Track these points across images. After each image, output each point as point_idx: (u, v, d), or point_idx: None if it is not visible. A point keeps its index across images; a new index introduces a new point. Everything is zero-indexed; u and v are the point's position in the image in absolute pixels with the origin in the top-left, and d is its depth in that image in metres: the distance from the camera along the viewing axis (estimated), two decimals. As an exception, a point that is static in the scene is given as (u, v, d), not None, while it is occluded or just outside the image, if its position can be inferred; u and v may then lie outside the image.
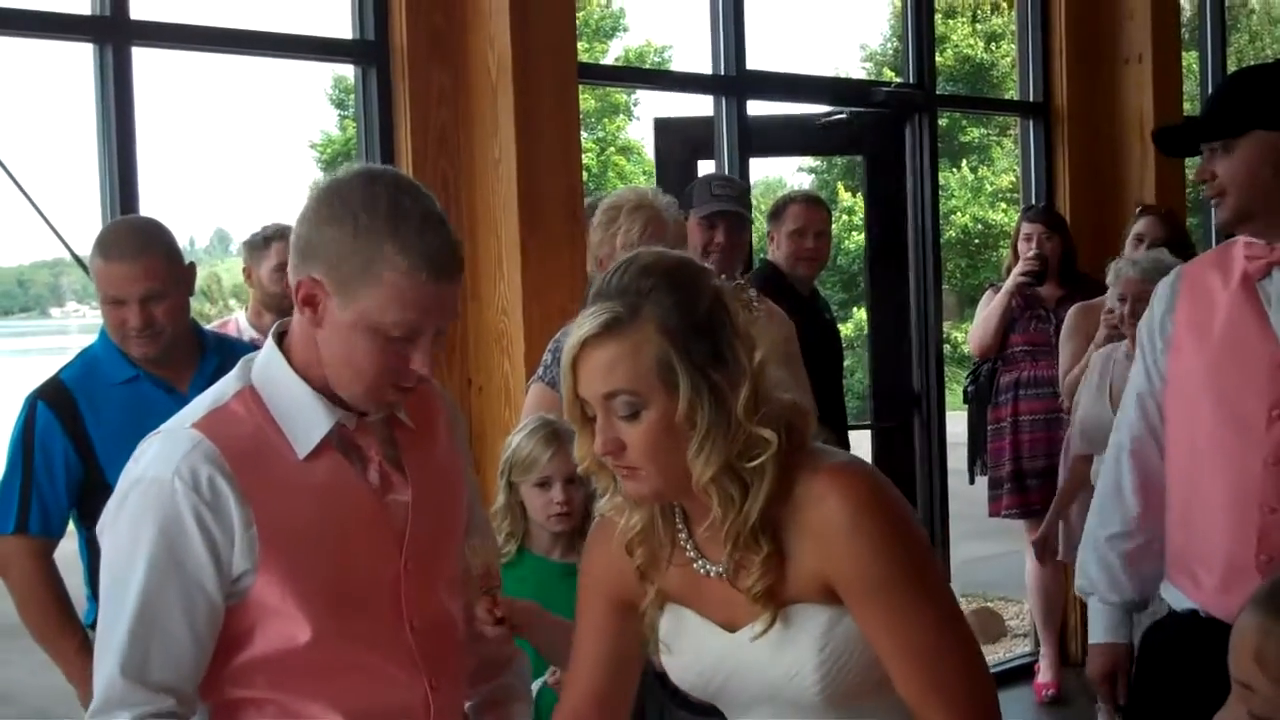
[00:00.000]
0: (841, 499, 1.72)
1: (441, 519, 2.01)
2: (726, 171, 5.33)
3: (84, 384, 3.11)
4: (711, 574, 1.81)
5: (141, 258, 2.98)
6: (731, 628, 1.81)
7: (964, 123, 23.09)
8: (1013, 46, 8.46)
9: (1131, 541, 2.76)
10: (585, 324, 1.74)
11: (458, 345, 4.27)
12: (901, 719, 1.80)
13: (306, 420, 1.86)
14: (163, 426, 1.87)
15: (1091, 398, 4.39)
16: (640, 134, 26.31)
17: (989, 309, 5.65)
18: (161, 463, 1.79)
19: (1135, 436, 2.75)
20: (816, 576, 1.74)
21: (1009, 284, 5.52)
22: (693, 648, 1.86)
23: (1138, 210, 5.51)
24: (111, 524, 1.83)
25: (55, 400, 3.08)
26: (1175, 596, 2.70)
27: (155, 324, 3.00)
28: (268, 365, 1.89)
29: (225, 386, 1.89)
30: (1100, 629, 2.82)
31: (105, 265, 3.00)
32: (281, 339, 1.92)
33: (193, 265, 3.18)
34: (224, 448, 1.79)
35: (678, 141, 5.69)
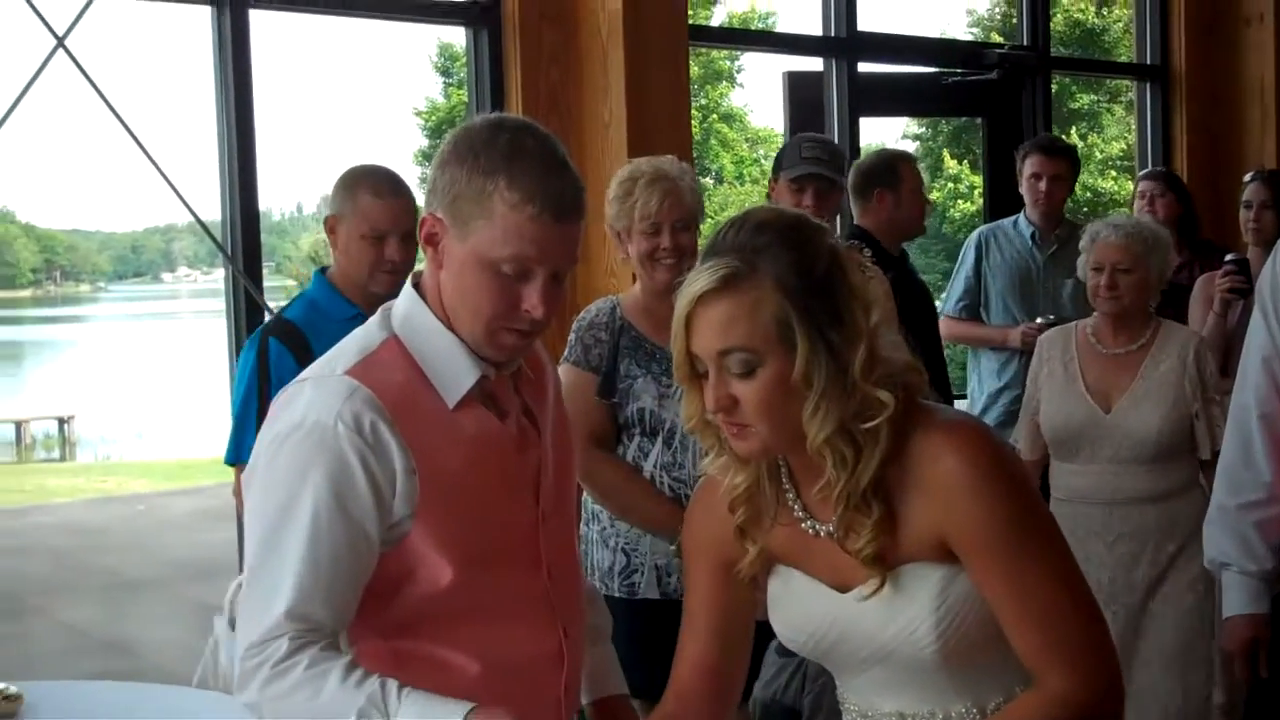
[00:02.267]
0: (959, 456, 1.70)
1: (564, 469, 2.03)
2: (836, 133, 5.28)
3: (310, 321, 3.20)
4: (820, 534, 1.80)
5: (402, 197, 3.15)
6: (842, 588, 1.80)
7: (1074, 89, 22.66)
8: (1126, 10, 8.27)
9: (1267, 509, 2.68)
10: (700, 279, 1.70)
11: (566, 309, 4.28)
12: (1014, 675, 1.79)
13: (454, 370, 1.86)
14: (308, 373, 1.88)
15: None
16: (743, 101, 26.22)
17: (1205, 335, 4.76)
18: (321, 408, 1.79)
19: (1263, 400, 2.68)
20: (932, 535, 1.73)
21: (1217, 304, 5.15)
22: (801, 608, 1.86)
23: (1247, 177, 5.32)
24: (266, 471, 1.82)
25: (286, 335, 3.18)
26: None
27: (408, 261, 3.13)
28: (410, 314, 1.90)
29: (369, 335, 1.90)
30: (1238, 600, 2.74)
31: (376, 201, 3.13)
32: (417, 289, 1.93)
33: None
34: (380, 394, 1.80)
35: (809, 96, 5.57)
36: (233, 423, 3.26)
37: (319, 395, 1.80)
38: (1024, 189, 5.09)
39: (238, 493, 3.19)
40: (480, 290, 1.82)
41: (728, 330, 1.69)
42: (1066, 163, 5.10)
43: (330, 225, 3.17)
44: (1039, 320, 4.76)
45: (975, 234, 5.22)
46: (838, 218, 4.46)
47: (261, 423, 3.10)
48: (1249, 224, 5.05)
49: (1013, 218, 5.18)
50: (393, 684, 1.70)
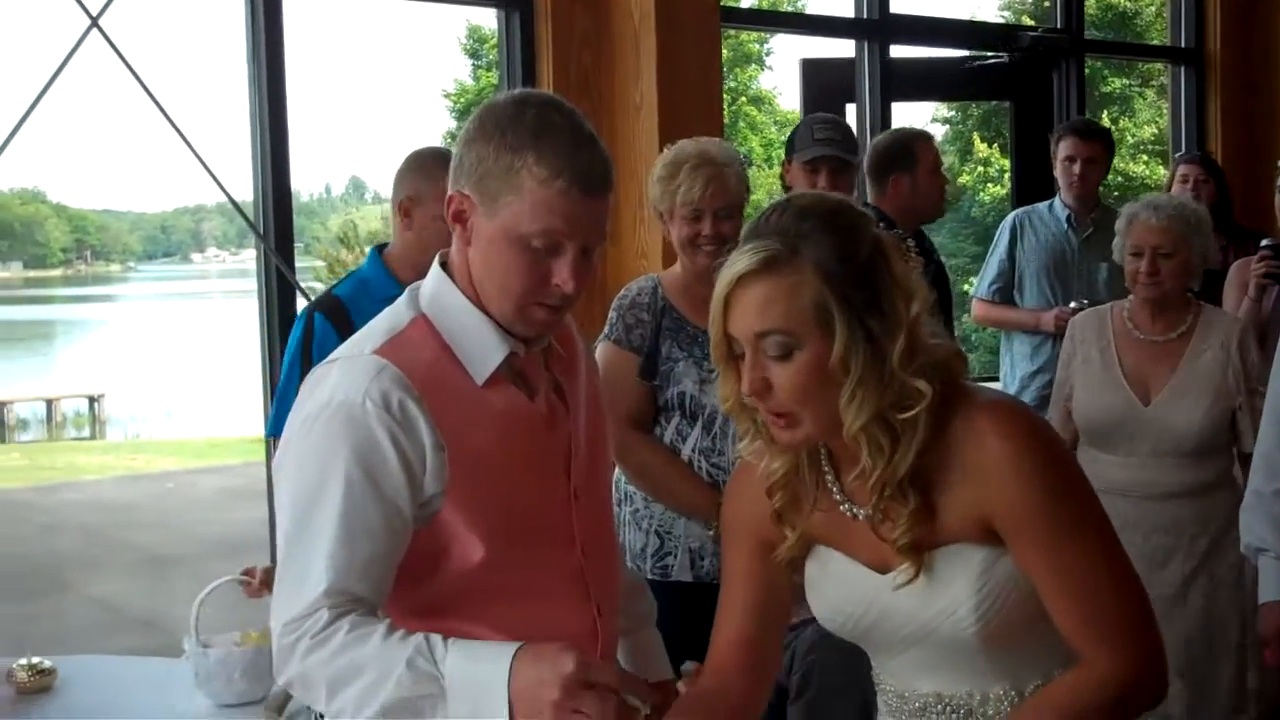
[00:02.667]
0: (1001, 437, 1.70)
1: (597, 446, 2.03)
2: (869, 117, 5.25)
3: (356, 299, 3.20)
4: (860, 517, 1.80)
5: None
6: (882, 569, 1.80)
7: (1105, 72, 22.51)
8: (1161, -8, 8.20)
9: None
10: (740, 260, 1.70)
11: (597, 291, 4.28)
12: (1053, 658, 1.79)
13: (482, 347, 1.86)
14: (337, 353, 1.88)
15: None
16: (772, 83, 26.13)
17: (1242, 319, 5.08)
18: (349, 387, 1.79)
19: None
20: (974, 516, 1.72)
21: (1252, 289, 5.09)
22: (840, 590, 1.85)
23: None
24: (296, 452, 1.82)
25: (331, 312, 3.19)
26: None
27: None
28: (438, 293, 1.90)
29: (397, 315, 1.90)
30: (1275, 586, 2.74)
31: (427, 182, 3.06)
32: (444, 268, 1.93)
33: None
34: (408, 372, 1.80)
35: (825, 83, 5.57)
36: (276, 396, 3.28)
37: (347, 374, 1.80)
38: (1058, 172, 5.05)
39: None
40: (510, 266, 1.82)
41: (765, 312, 1.69)
42: (1101, 146, 5.04)
43: (405, 208, 3.13)
44: (1072, 304, 4.70)
45: (1010, 217, 5.19)
46: (853, 196, 4.42)
47: None
48: None
49: (1048, 201, 5.13)
50: (436, 636, 1.70)
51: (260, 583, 2.97)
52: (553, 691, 1.62)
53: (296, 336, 3.21)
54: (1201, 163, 5.45)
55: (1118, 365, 3.64)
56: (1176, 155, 5.89)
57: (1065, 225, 5.04)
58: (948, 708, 1.84)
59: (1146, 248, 3.56)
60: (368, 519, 1.76)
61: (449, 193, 1.85)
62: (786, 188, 3.88)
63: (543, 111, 1.82)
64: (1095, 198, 5.09)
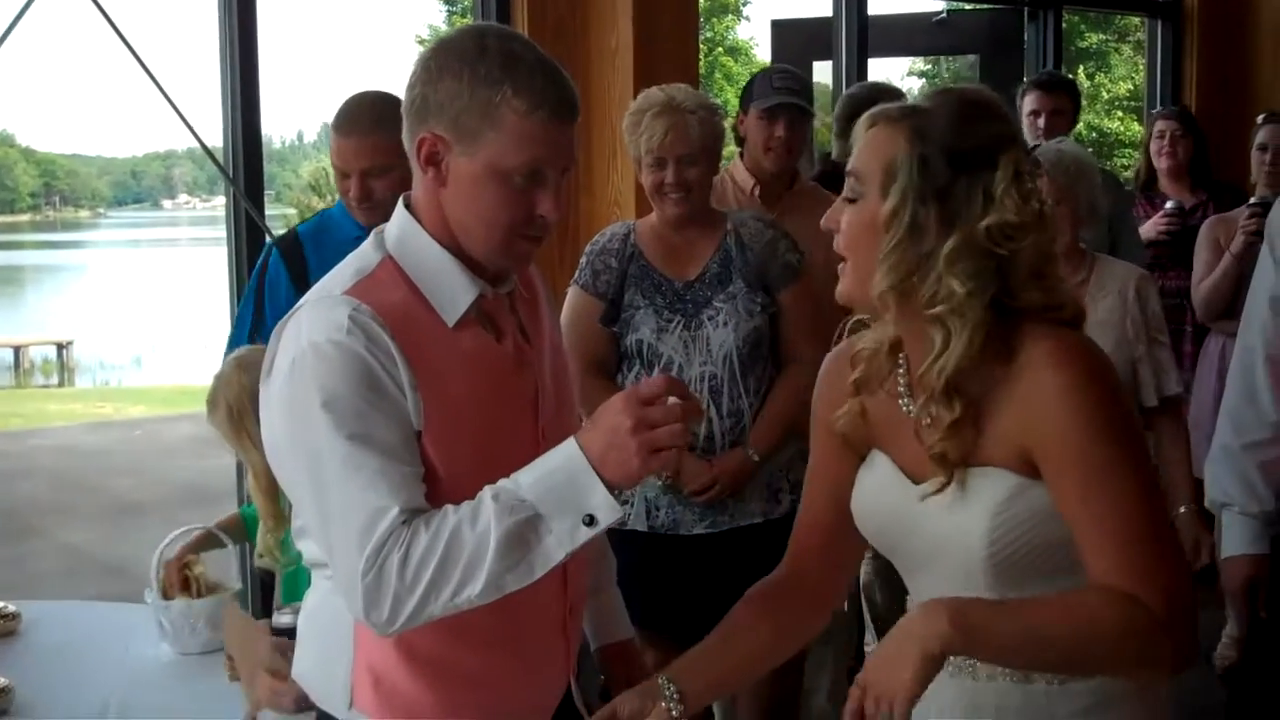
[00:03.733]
0: (1055, 367, 1.69)
1: (562, 390, 2.02)
2: (844, 73, 5.23)
3: (315, 237, 3.31)
4: (912, 414, 1.81)
5: (370, 135, 3.07)
6: (918, 478, 1.80)
7: (1082, 27, 22.49)
8: (1140, -54, 8.19)
9: (1271, 450, 2.68)
10: (883, 108, 1.78)
11: (569, 238, 4.26)
12: None
13: (451, 288, 1.85)
14: (306, 299, 1.85)
15: None
16: (749, 34, 26.02)
17: (1218, 275, 4.86)
18: (328, 326, 1.76)
19: (1270, 341, 2.67)
20: (1017, 443, 1.71)
21: (1238, 246, 5.06)
22: (877, 496, 1.87)
23: (1260, 119, 5.25)
24: (284, 392, 1.77)
25: (287, 249, 3.31)
26: None
27: (373, 196, 3.10)
28: (404, 235, 1.88)
29: (364, 257, 1.87)
30: (1237, 541, 2.74)
31: (334, 138, 3.14)
32: (408, 210, 1.90)
33: None
34: (381, 312, 1.77)
35: (795, 42, 5.59)
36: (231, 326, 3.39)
37: (319, 315, 1.78)
38: (1025, 127, 4.97)
39: None
40: (497, 202, 1.80)
41: (859, 155, 1.76)
42: (1066, 97, 4.97)
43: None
44: None
45: None
46: (812, 147, 4.41)
47: (255, 329, 3.24)
48: (1264, 167, 4.99)
49: (1057, 137, 5.08)
50: (501, 480, 1.70)
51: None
52: (624, 422, 1.65)
53: (255, 270, 3.33)
54: (1179, 118, 5.44)
55: None
56: (1153, 111, 5.87)
57: None
58: None
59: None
60: (385, 439, 1.73)
61: (418, 135, 1.82)
62: (740, 139, 3.86)
63: (504, 44, 1.81)
64: None
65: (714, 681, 1.87)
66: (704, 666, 1.85)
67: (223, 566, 3.11)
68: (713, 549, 3.22)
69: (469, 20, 4.36)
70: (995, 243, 1.69)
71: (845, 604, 2.03)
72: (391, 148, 3.10)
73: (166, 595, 2.92)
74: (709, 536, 3.24)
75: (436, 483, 1.78)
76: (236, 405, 2.79)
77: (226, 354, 3.30)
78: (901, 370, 1.84)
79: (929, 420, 1.76)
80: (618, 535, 3.17)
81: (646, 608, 3.29)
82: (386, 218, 3.08)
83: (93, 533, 9.03)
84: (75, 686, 2.72)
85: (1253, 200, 4.82)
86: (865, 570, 3.69)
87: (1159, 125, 5.40)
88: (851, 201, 1.75)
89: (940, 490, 1.74)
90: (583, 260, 3.32)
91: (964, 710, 1.81)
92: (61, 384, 22.86)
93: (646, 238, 3.31)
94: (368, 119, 3.09)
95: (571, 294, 3.31)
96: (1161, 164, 5.36)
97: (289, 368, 1.77)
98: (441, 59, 1.81)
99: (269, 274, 3.30)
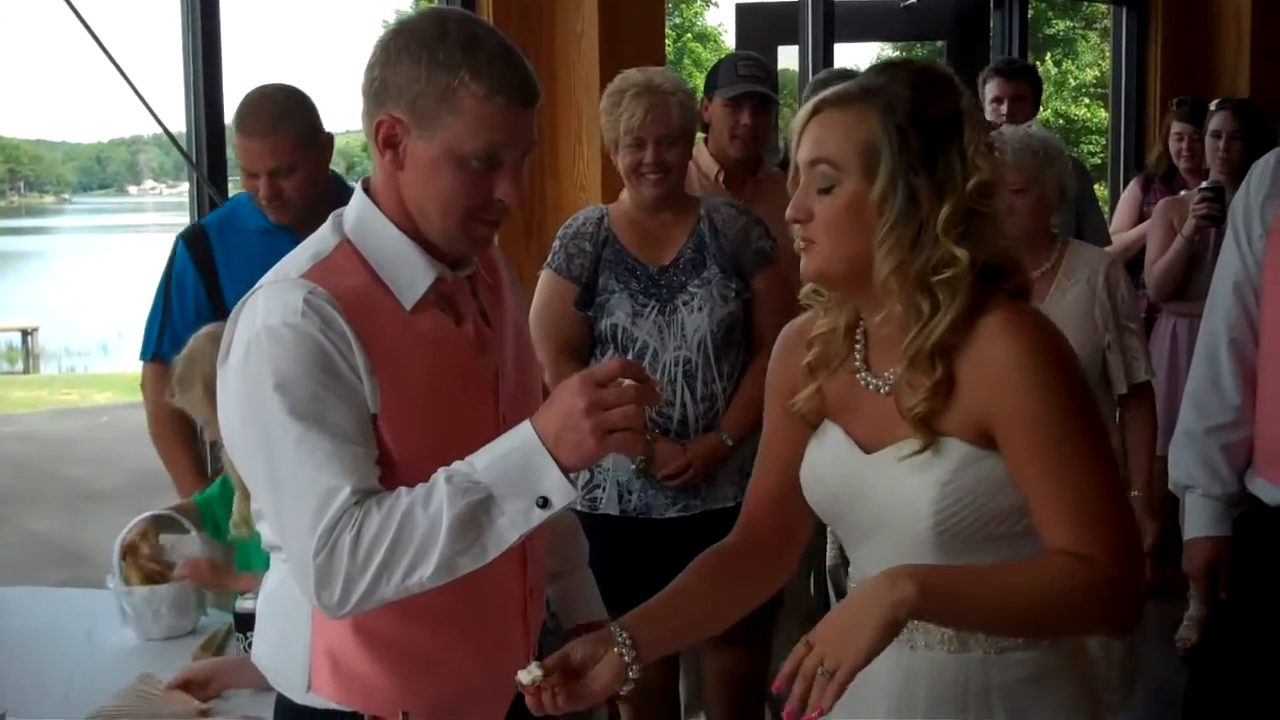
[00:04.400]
0: (1009, 337, 1.71)
1: (523, 372, 2.02)
2: (810, 58, 5.24)
3: (222, 229, 3.30)
4: (870, 388, 1.82)
5: (273, 135, 3.06)
6: (869, 449, 1.82)
7: (1049, 14, 22.56)
8: (1106, -67, 8.23)
9: (1234, 433, 2.70)
10: (819, 95, 1.78)
11: (535, 223, 4.25)
12: None
13: (409, 271, 1.84)
14: (263, 281, 1.84)
15: None
16: (718, 20, 25.99)
17: (1170, 256, 4.92)
18: (283, 308, 1.75)
19: (1233, 325, 2.69)
20: (974, 413, 1.73)
21: (1189, 229, 4.91)
22: (828, 464, 1.88)
23: (1214, 105, 5.25)
24: (239, 374, 1.78)
25: (193, 241, 3.29)
26: (1267, 490, 2.65)
27: (283, 195, 3.10)
28: (362, 219, 1.87)
29: (322, 241, 1.87)
30: (1200, 523, 2.76)
31: (239, 138, 3.11)
32: (367, 193, 1.90)
33: (330, 136, 3.23)
34: (337, 296, 1.77)
35: (760, 27, 5.59)
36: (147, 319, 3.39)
37: (275, 298, 1.77)
38: (988, 114, 4.99)
39: (144, 386, 3.41)
40: (454, 186, 1.80)
41: (821, 143, 1.75)
42: (1026, 83, 4.96)
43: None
44: None
45: None
46: (777, 134, 4.41)
47: (164, 325, 3.26)
48: (1217, 154, 5.02)
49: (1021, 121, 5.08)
50: (455, 462, 1.70)
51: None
52: (579, 403, 1.65)
53: (166, 265, 3.31)
54: (1193, 120, 5.31)
55: None
56: (1171, 103, 5.63)
57: None
58: None
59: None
60: (339, 422, 1.73)
61: (376, 118, 1.81)
62: (705, 125, 3.85)
63: (464, 27, 1.81)
64: None
65: (666, 635, 1.87)
66: (657, 620, 1.85)
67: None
68: (685, 533, 3.23)
69: (434, 4, 4.34)
70: (978, 203, 1.72)
71: (796, 569, 2.05)
72: (296, 146, 3.12)
73: (129, 581, 2.91)
74: (681, 520, 3.26)
75: (393, 466, 1.78)
76: (214, 379, 2.77)
77: (143, 354, 3.37)
78: (859, 347, 1.86)
79: (903, 385, 1.77)
80: (590, 519, 3.20)
81: (618, 591, 3.29)
82: (297, 216, 3.10)
83: (57, 520, 8.97)
84: (37, 672, 2.71)
85: (1204, 184, 4.86)
86: (831, 553, 3.70)
87: (1176, 128, 5.35)
88: (825, 191, 1.74)
89: (919, 453, 1.75)
90: (556, 243, 3.32)
91: (900, 679, 1.83)
92: (26, 370, 22.67)
93: (620, 222, 3.31)
94: (269, 118, 3.07)
95: (544, 277, 3.31)
96: (1181, 164, 5.38)
97: (244, 351, 1.77)
98: (401, 41, 1.81)
99: (176, 269, 3.29)
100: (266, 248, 3.14)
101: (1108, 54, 7.96)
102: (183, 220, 4.23)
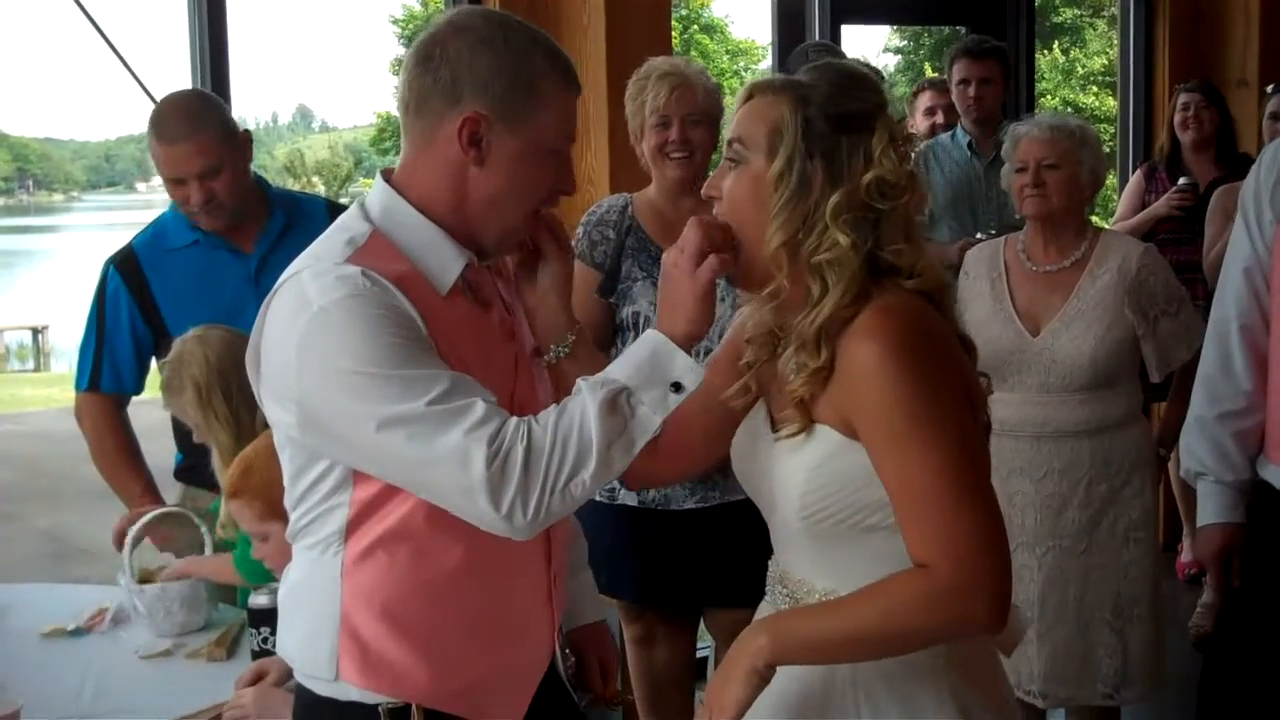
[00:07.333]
0: (866, 337, 1.72)
1: (534, 359, 2.01)
2: (817, 38, 5.22)
3: (150, 250, 3.23)
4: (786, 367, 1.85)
5: (196, 136, 3.03)
6: (775, 427, 1.86)
7: (1057, 2, 22.51)
8: (1114, -80, 8.18)
9: (1245, 420, 2.69)
10: (756, 80, 1.85)
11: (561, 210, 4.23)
12: (881, 570, 1.73)
13: (440, 259, 1.83)
14: (294, 269, 1.79)
15: None
16: (724, 11, 25.98)
17: (1221, 245, 4.68)
18: (340, 284, 1.71)
19: (1244, 311, 2.67)
20: (840, 407, 1.75)
21: (1160, 208, 4.98)
22: (745, 439, 1.93)
23: (1270, 88, 5.17)
24: (305, 356, 1.71)
25: (124, 266, 3.22)
26: (1279, 476, 2.64)
27: (216, 198, 3.06)
28: (388, 208, 1.85)
29: (352, 229, 1.83)
30: (1212, 510, 2.75)
31: (160, 146, 3.06)
32: (389, 183, 1.88)
33: (248, 133, 3.20)
34: (387, 277, 1.74)
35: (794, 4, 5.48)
36: (79, 348, 3.34)
37: (326, 278, 1.73)
38: (955, 97, 4.91)
39: (79, 416, 3.39)
40: (538, 177, 1.83)
41: (740, 123, 1.81)
42: (995, 64, 4.84)
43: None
44: (979, 235, 4.51)
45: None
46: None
47: (99, 354, 3.25)
48: (1277, 136, 4.85)
49: (950, 130, 4.99)
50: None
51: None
52: (665, 275, 1.79)
53: (95, 292, 3.24)
54: (1202, 90, 5.35)
55: (1008, 298, 3.45)
56: (1178, 85, 5.67)
57: (969, 153, 4.88)
58: (787, 593, 1.88)
59: (1031, 160, 3.40)
60: (436, 362, 1.72)
61: (455, 115, 1.79)
62: None
63: (517, 23, 1.84)
64: (996, 120, 4.87)
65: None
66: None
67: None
68: (702, 523, 3.24)
69: (441, 3, 4.32)
70: (874, 199, 1.76)
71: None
72: (219, 144, 3.09)
73: (141, 580, 2.91)
74: (698, 511, 3.25)
75: None
76: (204, 382, 2.75)
77: (78, 384, 3.34)
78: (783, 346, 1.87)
79: (796, 368, 1.79)
80: (609, 510, 3.21)
81: (637, 581, 3.31)
82: (229, 221, 3.08)
83: (69, 517, 9.00)
84: (50, 669, 2.71)
85: (1183, 181, 4.84)
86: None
87: (1183, 98, 5.34)
88: (735, 166, 1.80)
89: (792, 436, 1.79)
90: (579, 230, 3.32)
91: (776, 679, 1.79)
92: (37, 369, 22.75)
93: (645, 211, 3.31)
94: (189, 119, 3.04)
95: None
96: (1186, 137, 5.33)
97: (303, 334, 1.72)
98: (468, 38, 1.80)
99: (109, 294, 3.23)
100: (200, 260, 3.18)
101: (1116, 42, 7.93)
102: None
